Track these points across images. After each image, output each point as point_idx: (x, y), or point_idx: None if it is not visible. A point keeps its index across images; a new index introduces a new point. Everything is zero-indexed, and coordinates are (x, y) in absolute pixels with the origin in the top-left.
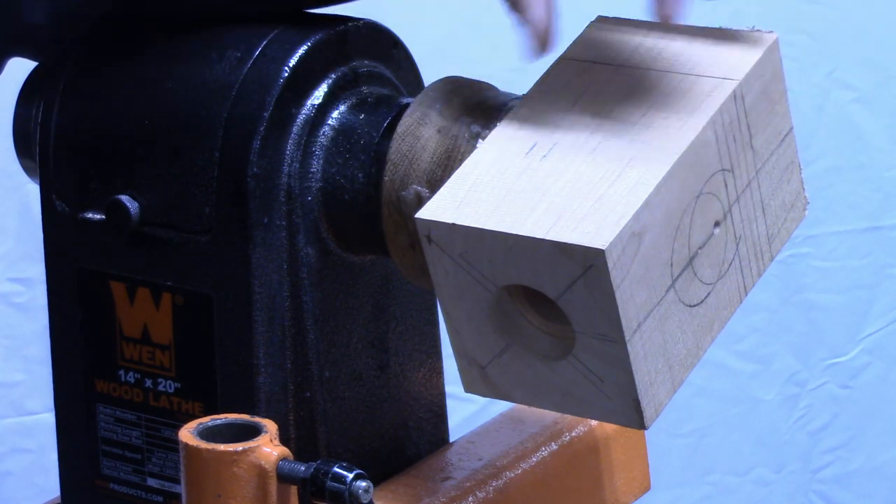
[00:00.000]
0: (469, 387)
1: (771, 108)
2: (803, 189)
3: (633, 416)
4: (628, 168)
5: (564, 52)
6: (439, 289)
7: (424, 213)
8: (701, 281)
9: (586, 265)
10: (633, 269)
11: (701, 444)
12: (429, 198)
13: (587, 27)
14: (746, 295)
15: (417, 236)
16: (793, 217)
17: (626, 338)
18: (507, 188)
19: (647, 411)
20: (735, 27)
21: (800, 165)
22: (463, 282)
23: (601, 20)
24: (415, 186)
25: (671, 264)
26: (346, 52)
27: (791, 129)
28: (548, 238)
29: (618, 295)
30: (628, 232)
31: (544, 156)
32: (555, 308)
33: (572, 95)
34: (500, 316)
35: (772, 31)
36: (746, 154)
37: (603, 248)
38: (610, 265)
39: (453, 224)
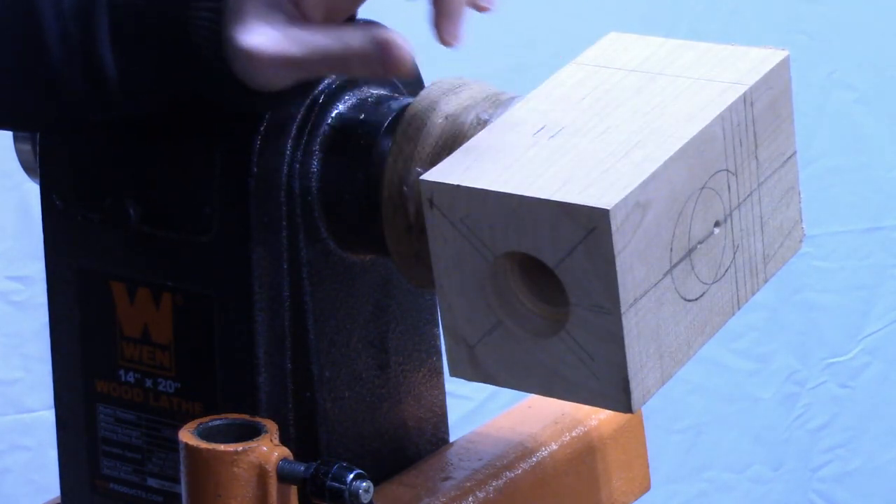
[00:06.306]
0: (454, 370)
1: (778, 126)
2: (801, 219)
3: (621, 398)
4: (636, 148)
5: (576, 58)
6: (436, 259)
7: (430, 175)
8: (697, 277)
9: (589, 227)
10: (634, 240)
11: (697, 440)
12: None
13: (599, 41)
14: (739, 308)
15: (415, 220)
16: (788, 245)
17: (622, 310)
18: (514, 158)
19: (636, 394)
20: (747, 45)
21: (800, 193)
22: (461, 250)
23: (614, 36)
24: (417, 168)
25: (671, 248)
26: None
27: (794, 153)
28: (553, 199)
29: (618, 262)
30: (633, 200)
31: (552, 136)
32: (549, 287)
33: (582, 91)
34: (493, 291)
35: (784, 49)
36: (750, 163)
37: (608, 208)
38: (613, 228)
39: (457, 185)
